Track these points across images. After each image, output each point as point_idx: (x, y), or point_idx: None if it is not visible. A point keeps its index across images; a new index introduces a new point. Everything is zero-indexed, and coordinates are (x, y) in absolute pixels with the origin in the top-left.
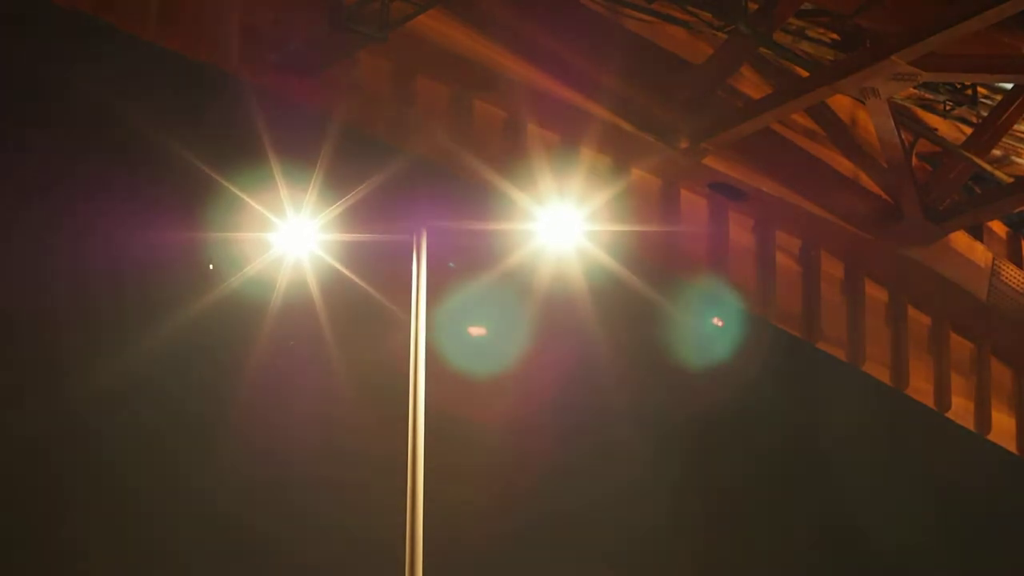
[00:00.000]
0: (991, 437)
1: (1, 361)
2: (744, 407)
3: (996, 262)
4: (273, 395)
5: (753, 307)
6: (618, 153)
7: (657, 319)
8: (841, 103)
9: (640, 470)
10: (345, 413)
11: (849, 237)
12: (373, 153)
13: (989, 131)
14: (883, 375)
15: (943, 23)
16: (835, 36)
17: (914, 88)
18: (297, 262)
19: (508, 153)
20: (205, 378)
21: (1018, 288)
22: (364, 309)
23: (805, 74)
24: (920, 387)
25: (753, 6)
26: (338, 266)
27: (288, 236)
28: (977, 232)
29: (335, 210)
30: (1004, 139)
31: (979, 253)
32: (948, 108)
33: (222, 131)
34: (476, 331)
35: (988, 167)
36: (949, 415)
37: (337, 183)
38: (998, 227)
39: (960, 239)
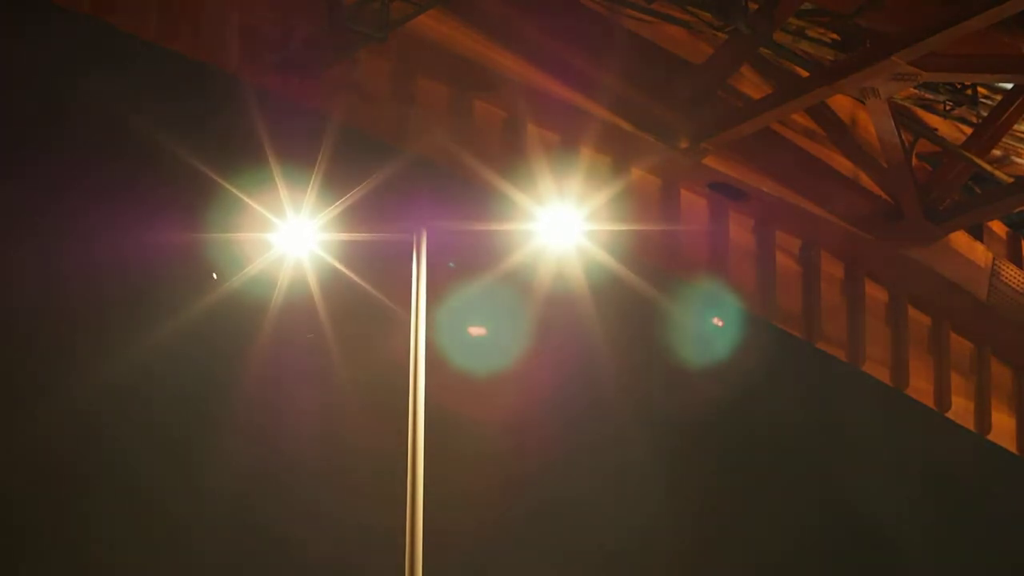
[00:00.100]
0: (991, 437)
1: (10, 359)
2: (744, 406)
3: (996, 262)
4: (276, 391)
5: (753, 307)
6: (618, 153)
7: (657, 319)
8: (841, 103)
9: (639, 469)
10: (346, 411)
11: (849, 237)
12: (373, 153)
13: (989, 131)
14: (883, 375)
15: (943, 23)
16: (835, 36)
17: (914, 88)
18: (297, 262)
19: (508, 153)
20: (206, 376)
21: (1018, 288)
22: (364, 308)
23: (805, 74)
24: (920, 387)
25: (753, 6)
26: (338, 266)
27: (288, 236)
28: (977, 232)
29: (335, 210)
30: (1004, 139)
31: (979, 253)
32: (948, 108)
33: (222, 131)
34: (476, 331)
35: (988, 167)
36: (949, 415)
37: (337, 183)
38: (998, 227)
39: (960, 239)
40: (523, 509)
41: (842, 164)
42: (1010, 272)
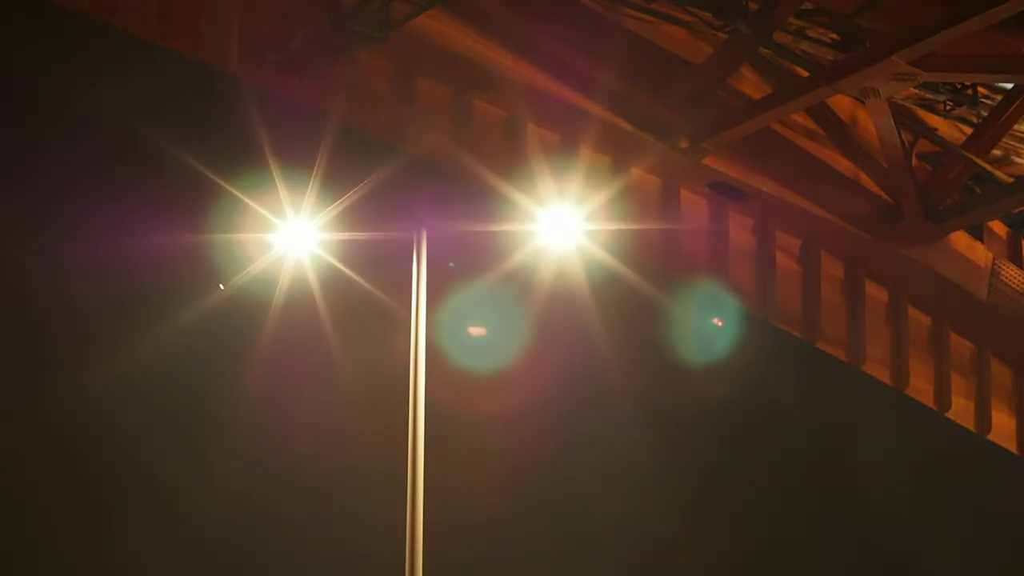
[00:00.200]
0: (991, 437)
1: (16, 359)
2: (744, 406)
3: (996, 262)
4: (278, 390)
5: (753, 307)
6: (618, 153)
7: (657, 319)
8: (841, 103)
9: (639, 468)
10: (347, 409)
11: (849, 237)
12: (373, 153)
13: (989, 131)
14: (883, 375)
15: (943, 23)
16: (835, 36)
17: (914, 88)
18: (298, 262)
19: (508, 153)
20: (210, 375)
21: (1018, 288)
22: (365, 308)
23: (805, 74)
24: (920, 387)
25: (753, 6)
26: (339, 266)
27: (289, 236)
28: (977, 232)
29: (335, 210)
30: (1004, 139)
31: (979, 253)
32: (948, 108)
33: (222, 131)
34: (476, 330)
35: (988, 167)
36: (949, 415)
37: (337, 183)
38: (998, 227)
39: (960, 239)
40: (523, 507)
41: (842, 164)
42: (1010, 272)
